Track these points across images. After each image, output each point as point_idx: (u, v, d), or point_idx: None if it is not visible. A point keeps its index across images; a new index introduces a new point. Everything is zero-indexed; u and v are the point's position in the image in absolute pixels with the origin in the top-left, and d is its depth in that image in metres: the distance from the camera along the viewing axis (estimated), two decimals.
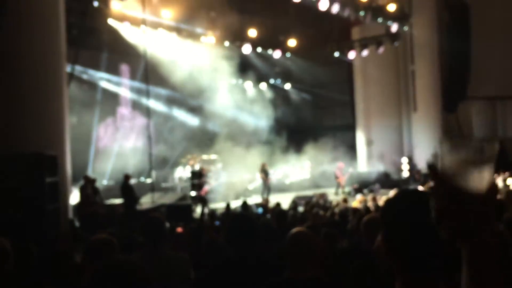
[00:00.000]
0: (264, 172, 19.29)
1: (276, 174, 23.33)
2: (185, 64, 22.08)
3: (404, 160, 23.01)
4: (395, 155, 23.89)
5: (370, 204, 12.65)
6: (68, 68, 14.16)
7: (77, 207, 13.13)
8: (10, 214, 9.16)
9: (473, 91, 23.34)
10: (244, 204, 12.71)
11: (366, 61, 24.02)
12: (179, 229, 6.39)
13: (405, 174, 22.70)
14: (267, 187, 19.28)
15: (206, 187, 18.39)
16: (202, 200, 16.69)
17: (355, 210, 10.43)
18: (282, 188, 22.69)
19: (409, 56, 24.13)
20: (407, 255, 1.56)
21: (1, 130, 10.91)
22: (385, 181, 21.79)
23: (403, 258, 1.57)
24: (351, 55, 23.33)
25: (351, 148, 26.00)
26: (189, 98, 24.66)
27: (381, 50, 22.34)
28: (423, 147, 23.09)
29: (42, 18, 11.51)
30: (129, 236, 7.57)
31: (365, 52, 22.78)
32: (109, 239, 3.40)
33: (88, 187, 13.75)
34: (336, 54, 23.95)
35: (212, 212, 11.97)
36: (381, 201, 12.98)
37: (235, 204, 15.53)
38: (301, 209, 13.36)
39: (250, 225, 3.40)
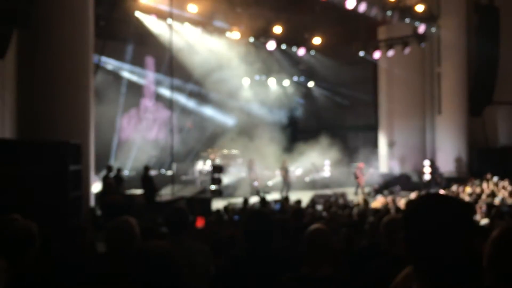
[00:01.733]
0: (285, 169, 19.26)
1: (296, 172, 23.32)
2: (209, 59, 22.18)
3: (426, 163, 22.72)
4: (417, 157, 23.61)
5: (390, 205, 12.56)
6: (94, 59, 14.38)
7: (99, 196, 13.33)
8: (35, 200, 9.35)
9: (499, 96, 22.93)
10: (263, 200, 12.74)
11: (391, 62, 23.75)
12: (200, 221, 6.45)
13: (427, 177, 22.42)
14: (286, 184, 19.29)
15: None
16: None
17: (375, 210, 10.38)
18: (302, 186, 22.66)
19: (436, 58, 23.78)
20: (427, 258, 1.55)
21: (31, 118, 11.16)
22: (406, 183, 21.58)
23: (422, 261, 1.56)
24: (377, 54, 23.10)
25: (373, 149, 25.79)
26: (212, 93, 24.78)
27: (407, 50, 22.07)
28: (446, 150, 22.79)
29: (71, 10, 11.70)
30: (149, 226, 7.67)
31: (390, 52, 22.53)
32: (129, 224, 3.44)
33: (110, 177, 13.94)
34: (361, 53, 23.73)
35: (231, 207, 12.03)
36: (401, 203, 12.87)
37: (253, 200, 15.58)
38: (319, 207, 13.34)
39: (266, 222, 3.41)
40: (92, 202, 12.91)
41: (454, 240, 1.54)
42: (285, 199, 13.44)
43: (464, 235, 1.55)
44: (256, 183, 18.95)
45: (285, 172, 19.37)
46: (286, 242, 5.05)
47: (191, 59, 21.88)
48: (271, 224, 3.43)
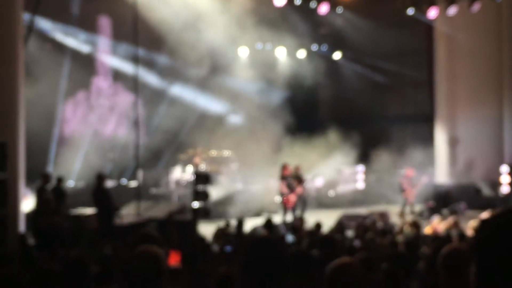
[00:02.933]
0: (298, 179, 19.07)
1: (316, 182, 23.32)
2: (190, 20, 22.16)
3: (504, 169, 22.69)
4: (490, 161, 23.57)
5: (452, 230, 12.57)
6: (25, 20, 14.37)
7: (32, 217, 13.33)
8: None
9: None
10: (268, 223, 12.73)
11: (453, 24, 23.75)
12: (174, 257, 6.44)
13: (505, 189, 22.39)
14: (302, 201, 19.22)
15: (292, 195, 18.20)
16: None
17: (430, 238, 10.38)
18: (324, 203, 22.65)
19: None
20: None
21: None
22: (475, 198, 21.58)
23: None
24: (432, 13, 23.09)
25: (427, 149, 25.75)
26: (194, 69, 24.77)
27: (476, 7, 22.06)
28: None
29: None
30: (102, 260, 7.68)
31: (452, 10, 22.52)
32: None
33: (48, 190, 13.94)
34: (410, 11, 23.71)
35: (223, 233, 12.04)
36: (469, 227, 12.89)
37: (254, 222, 15.57)
38: (350, 233, 13.34)
39: (277, 253, 3.39)
40: (22, 226, 12.93)
41: None
42: (299, 222, 13.44)
43: None
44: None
45: (298, 183, 19.27)
46: (303, 283, 5.06)
47: (165, 20, 21.85)
48: (285, 257, 3.41)
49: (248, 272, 3.34)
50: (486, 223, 1.70)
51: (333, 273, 3.07)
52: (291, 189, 18.19)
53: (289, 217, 17.81)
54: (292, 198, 18.20)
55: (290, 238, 11.41)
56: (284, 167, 18.64)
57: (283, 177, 18.44)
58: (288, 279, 3.34)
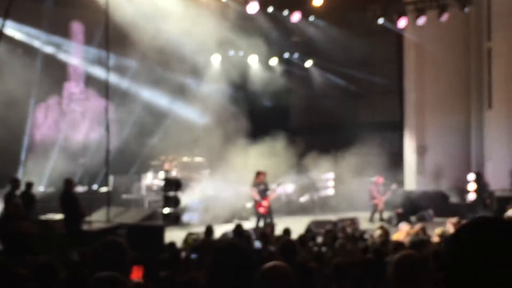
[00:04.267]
0: (263, 186, 18.68)
1: (286, 189, 23.33)
2: (162, 25, 22.08)
3: (471, 177, 22.93)
4: (457, 169, 23.82)
5: (419, 237, 12.64)
6: None
7: (1, 223, 13.15)
8: None
9: None
10: (238, 228, 12.72)
11: (423, 33, 23.96)
12: (137, 272, 6.37)
13: (471, 196, 22.62)
14: (262, 219, 18.73)
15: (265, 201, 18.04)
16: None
17: (398, 244, 10.42)
18: (293, 210, 22.68)
19: (485, 28, 24.05)
20: None
21: None
22: (442, 205, 21.75)
23: None
24: (402, 23, 23.30)
25: (396, 157, 25.93)
26: (167, 74, 24.69)
27: (444, 17, 22.30)
28: (499, 159, 23.02)
29: None
30: (70, 266, 7.60)
31: (421, 20, 22.74)
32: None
33: (17, 196, 13.79)
34: (380, 21, 23.89)
35: (192, 240, 12.00)
36: (436, 233, 12.97)
37: (225, 228, 15.55)
38: (319, 240, 13.35)
39: (246, 260, 3.39)
40: None
41: None
42: (269, 228, 13.42)
43: None
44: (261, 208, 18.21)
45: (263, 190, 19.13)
46: None
47: (137, 26, 21.74)
48: (249, 262, 3.41)
49: (214, 277, 3.33)
50: (460, 231, 1.74)
51: (264, 275, 3.09)
52: (262, 196, 18.09)
53: (261, 224, 17.76)
54: (265, 204, 18.10)
55: (257, 244, 11.40)
56: (257, 174, 18.52)
57: (255, 184, 18.35)
58: (253, 284, 3.34)
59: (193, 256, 8.61)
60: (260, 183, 18.26)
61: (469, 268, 1.62)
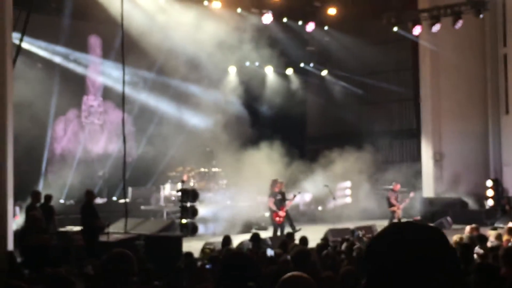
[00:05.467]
0: (280, 195, 18.66)
1: (303, 198, 23.28)
2: (179, 39, 22.21)
3: (489, 184, 22.77)
4: (475, 175, 23.65)
5: None
6: (14, 39, 14.36)
7: (21, 235, 13.24)
8: None
9: None
10: (255, 237, 12.70)
11: (438, 41, 23.89)
12: None
13: (490, 203, 22.46)
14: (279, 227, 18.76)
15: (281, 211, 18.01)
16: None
17: None
18: (310, 218, 22.62)
19: (501, 35, 23.93)
20: None
21: None
22: (460, 212, 21.61)
23: None
24: (417, 30, 23.23)
25: (413, 164, 25.79)
26: (184, 86, 24.79)
27: (459, 24, 22.21)
28: None
29: None
30: (87, 276, 7.65)
31: (436, 27, 22.66)
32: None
33: (38, 209, 13.89)
34: (395, 29, 23.86)
35: (209, 250, 12.01)
36: (453, 241, 12.87)
37: (241, 239, 15.52)
38: (337, 248, 13.29)
39: (251, 270, 3.38)
40: (11, 244, 12.84)
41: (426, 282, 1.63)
42: (289, 238, 13.37)
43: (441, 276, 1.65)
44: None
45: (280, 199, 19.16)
46: None
47: (154, 39, 21.90)
48: (257, 274, 3.41)
49: (221, 285, 3.33)
50: (373, 238, 1.79)
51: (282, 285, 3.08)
52: (278, 205, 18.06)
53: (279, 233, 17.73)
54: (281, 214, 18.07)
55: (271, 252, 11.39)
56: (273, 184, 18.53)
57: (272, 194, 18.34)
58: None
59: (208, 266, 8.61)
60: (278, 192, 18.26)
61: (381, 274, 1.67)
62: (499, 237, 11.85)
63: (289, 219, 18.79)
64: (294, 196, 19.10)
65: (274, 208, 18.02)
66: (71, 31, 22.11)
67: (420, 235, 1.69)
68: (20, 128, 15.90)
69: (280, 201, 18.16)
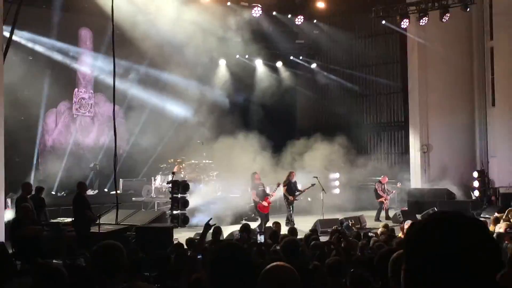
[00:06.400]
0: (290, 186, 19.22)
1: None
2: (170, 32, 22.15)
3: (475, 175, 22.88)
4: (462, 166, 23.76)
5: None
6: (5, 32, 14.30)
7: (12, 227, 13.22)
8: None
9: None
10: (245, 227, 12.72)
11: (425, 34, 23.93)
12: None
13: (476, 194, 22.58)
14: (291, 207, 19.29)
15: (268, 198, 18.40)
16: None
17: (402, 242, 10.40)
18: (300, 209, 22.64)
19: (487, 28, 24.00)
20: None
21: None
22: (447, 203, 21.69)
23: None
24: (405, 24, 23.26)
25: (401, 156, 25.89)
26: (174, 78, 24.75)
27: (446, 17, 22.25)
28: (503, 156, 22.95)
29: None
30: (79, 268, 7.63)
31: (424, 21, 22.70)
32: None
33: (29, 200, 13.85)
34: (384, 22, 23.89)
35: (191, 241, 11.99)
36: None
37: (233, 229, 15.54)
38: (326, 239, 13.32)
39: (243, 260, 3.39)
40: (2, 236, 12.83)
41: (468, 274, 1.60)
42: (276, 227, 13.35)
43: (485, 267, 1.61)
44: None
45: (290, 189, 19.47)
46: None
47: (144, 32, 21.83)
48: (249, 264, 3.41)
49: (214, 275, 3.33)
50: (413, 224, 1.76)
51: (265, 275, 3.07)
52: (262, 196, 18.31)
53: (264, 223, 17.87)
54: (264, 204, 18.29)
55: (261, 238, 11.44)
56: (252, 177, 18.79)
57: (253, 186, 18.66)
58: (252, 281, 3.34)
59: (199, 256, 8.60)
60: (259, 183, 18.52)
61: (420, 264, 1.65)
62: None
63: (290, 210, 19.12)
64: (276, 187, 19.28)
65: (257, 199, 18.31)
66: (62, 24, 21.99)
67: (462, 227, 1.66)
68: (11, 120, 15.82)
69: (263, 192, 18.42)
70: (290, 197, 19.04)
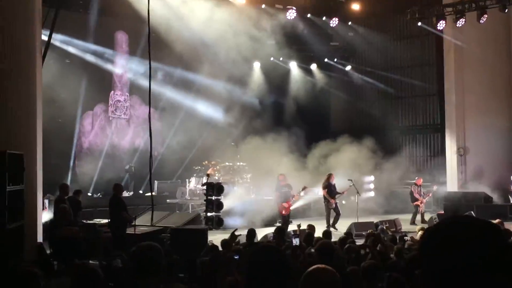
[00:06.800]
0: (330, 188, 19.43)
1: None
2: (204, 34, 22.29)
3: None
4: (500, 169, 23.42)
5: None
6: (43, 36, 14.52)
7: (50, 227, 13.40)
8: None
9: None
10: (280, 230, 12.69)
11: (462, 35, 23.68)
12: None
13: None
14: (335, 210, 19.50)
15: (290, 201, 18.68)
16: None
17: None
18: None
19: None
20: None
21: None
22: (484, 207, 21.39)
23: None
24: (441, 25, 23.04)
25: (438, 159, 25.61)
26: (209, 81, 24.88)
27: (484, 18, 21.98)
28: None
29: None
30: (116, 269, 7.72)
31: (461, 22, 22.46)
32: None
33: (66, 201, 14.03)
34: (420, 24, 23.69)
35: (233, 242, 12.03)
36: None
37: (266, 232, 15.53)
38: (360, 242, 13.24)
39: (281, 262, 3.38)
40: (40, 236, 13.00)
41: (482, 276, 1.61)
42: (327, 234, 13.23)
43: (498, 269, 1.62)
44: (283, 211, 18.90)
45: (332, 192, 19.60)
46: None
47: (180, 36, 21.98)
48: (287, 267, 3.40)
49: (251, 277, 3.34)
50: (428, 229, 1.77)
51: (306, 278, 3.06)
52: (284, 198, 18.63)
53: (286, 224, 18.10)
54: (285, 205, 18.55)
55: (296, 241, 11.44)
56: (278, 178, 19.12)
57: (277, 188, 19.03)
58: (289, 283, 3.33)
59: (236, 257, 8.64)
60: (283, 185, 18.75)
61: (435, 266, 1.66)
62: None
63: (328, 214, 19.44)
64: (302, 189, 19.46)
65: (278, 200, 18.77)
66: (98, 27, 22.28)
67: (476, 231, 1.67)
68: (48, 122, 16.03)
69: (286, 194, 18.68)
70: (332, 200, 19.30)
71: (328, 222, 19.23)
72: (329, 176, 19.70)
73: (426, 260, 1.69)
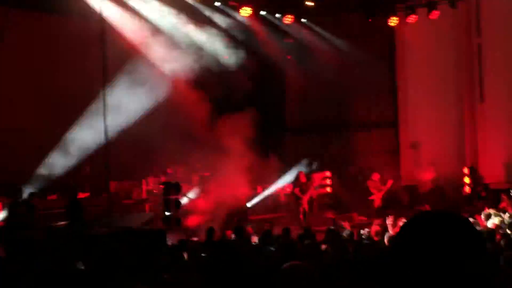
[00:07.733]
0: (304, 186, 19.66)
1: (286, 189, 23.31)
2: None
3: (465, 171, 22.92)
4: (452, 163, 23.79)
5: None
6: None
7: (3, 229, 13.16)
8: None
9: None
10: (239, 230, 12.69)
11: (413, 31, 23.96)
12: None
13: (467, 190, 22.62)
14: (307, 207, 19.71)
15: None
16: None
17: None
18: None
19: (475, 25, 24.03)
20: None
21: None
22: (438, 199, 21.74)
23: None
24: (393, 22, 23.29)
25: (392, 153, 25.89)
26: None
27: (434, 15, 22.29)
28: (493, 152, 23.00)
29: None
30: (72, 269, 7.59)
31: (412, 18, 22.73)
32: None
33: (20, 204, 13.79)
34: (371, 20, 23.89)
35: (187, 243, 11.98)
36: None
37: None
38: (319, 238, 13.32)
39: (236, 259, 3.37)
40: None
41: (452, 268, 1.65)
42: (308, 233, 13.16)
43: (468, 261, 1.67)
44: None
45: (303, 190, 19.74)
46: None
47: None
48: (242, 264, 3.40)
49: (210, 277, 3.32)
50: (403, 226, 1.81)
51: (283, 275, 3.06)
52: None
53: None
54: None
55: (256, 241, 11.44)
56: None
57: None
58: (246, 284, 3.32)
59: (195, 257, 8.61)
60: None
61: (405, 261, 1.69)
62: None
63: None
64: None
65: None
66: None
67: (446, 223, 1.71)
68: None
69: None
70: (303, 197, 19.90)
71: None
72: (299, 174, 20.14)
73: (397, 254, 1.71)
